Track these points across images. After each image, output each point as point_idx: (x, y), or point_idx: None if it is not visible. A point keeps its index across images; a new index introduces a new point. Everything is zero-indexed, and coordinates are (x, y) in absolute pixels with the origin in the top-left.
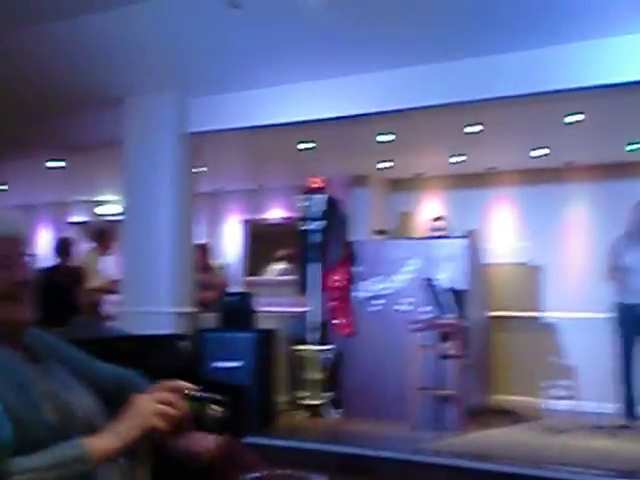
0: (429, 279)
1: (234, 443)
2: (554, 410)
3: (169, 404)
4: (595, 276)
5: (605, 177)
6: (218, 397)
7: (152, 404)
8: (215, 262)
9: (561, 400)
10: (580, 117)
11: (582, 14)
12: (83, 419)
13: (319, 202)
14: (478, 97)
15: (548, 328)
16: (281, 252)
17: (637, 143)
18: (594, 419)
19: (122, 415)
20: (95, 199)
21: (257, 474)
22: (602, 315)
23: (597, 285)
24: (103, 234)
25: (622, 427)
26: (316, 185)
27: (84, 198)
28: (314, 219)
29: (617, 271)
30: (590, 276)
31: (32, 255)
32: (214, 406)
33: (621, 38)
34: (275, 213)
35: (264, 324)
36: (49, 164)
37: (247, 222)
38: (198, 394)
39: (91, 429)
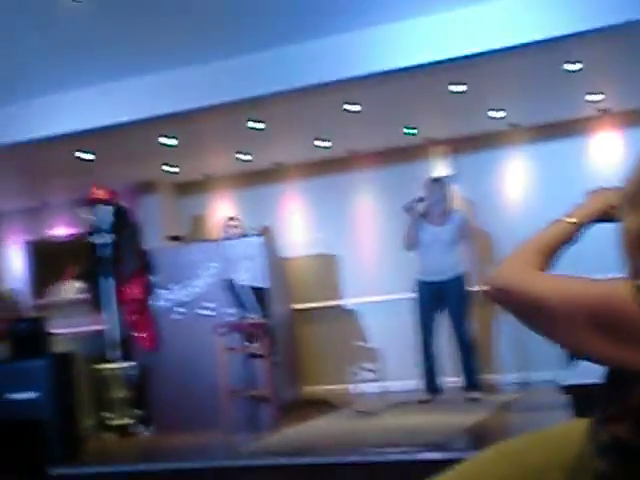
0: (229, 280)
1: None
2: (363, 394)
3: None
4: (388, 258)
5: (388, 162)
6: None
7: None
8: (2, 289)
9: (369, 383)
10: (357, 107)
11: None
12: None
13: (105, 213)
14: (254, 94)
15: (350, 314)
16: (71, 270)
17: (412, 128)
18: (401, 397)
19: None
20: None
21: None
22: (399, 296)
23: (391, 267)
24: None
25: (426, 402)
26: (100, 196)
27: None
28: (102, 231)
29: (415, 247)
30: (383, 259)
31: None
32: None
33: (394, 25)
34: (61, 230)
35: (61, 347)
36: None
37: (30, 242)
38: None
39: None
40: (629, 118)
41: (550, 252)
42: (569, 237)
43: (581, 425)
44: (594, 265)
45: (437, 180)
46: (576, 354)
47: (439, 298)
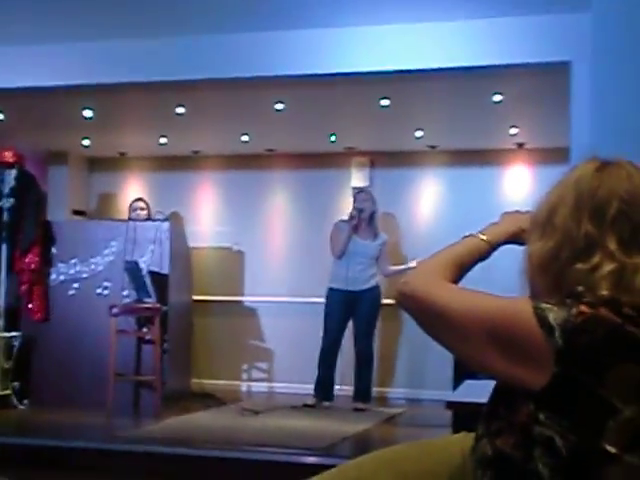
0: (129, 262)
1: None
2: (253, 392)
3: None
4: (293, 261)
5: (306, 166)
6: None
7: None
8: None
9: (259, 382)
10: (281, 106)
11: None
12: None
13: (9, 177)
14: (181, 77)
15: (249, 312)
16: None
17: (333, 135)
18: (289, 400)
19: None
20: None
21: None
22: (300, 299)
23: (295, 270)
24: None
25: (313, 406)
26: (7, 159)
27: None
28: (4, 196)
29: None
30: (289, 261)
31: None
32: None
33: (328, 30)
34: None
35: None
36: None
37: None
38: None
39: None
40: (541, 155)
41: (460, 266)
42: (480, 253)
43: (459, 438)
44: (502, 284)
45: (364, 191)
46: (472, 367)
47: (351, 308)
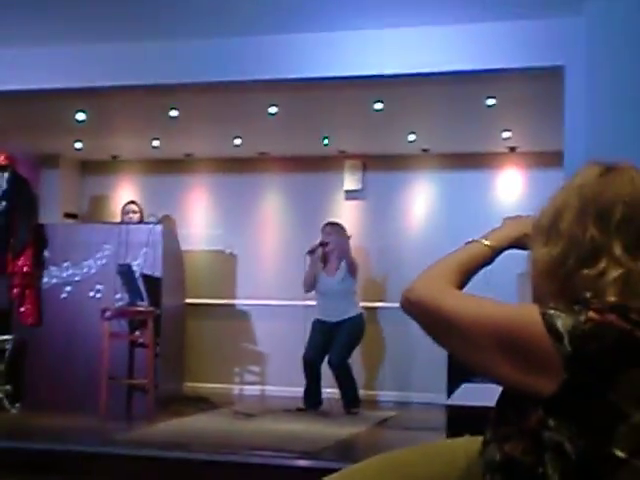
0: (122, 265)
1: None
2: (245, 395)
3: None
4: (286, 264)
5: (299, 169)
6: None
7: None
8: None
9: (252, 385)
10: (274, 109)
11: (285, 6)
12: None
13: (2, 181)
14: (173, 81)
15: (242, 315)
16: None
17: (326, 138)
18: (281, 403)
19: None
20: None
21: None
22: (292, 302)
23: (287, 273)
24: None
25: (305, 410)
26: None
27: None
28: None
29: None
30: (281, 264)
31: None
32: None
33: (321, 34)
34: None
35: None
36: None
37: None
38: None
39: None
40: (534, 159)
41: (465, 272)
42: (484, 259)
43: (463, 442)
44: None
45: (334, 224)
46: (479, 373)
47: (329, 336)
